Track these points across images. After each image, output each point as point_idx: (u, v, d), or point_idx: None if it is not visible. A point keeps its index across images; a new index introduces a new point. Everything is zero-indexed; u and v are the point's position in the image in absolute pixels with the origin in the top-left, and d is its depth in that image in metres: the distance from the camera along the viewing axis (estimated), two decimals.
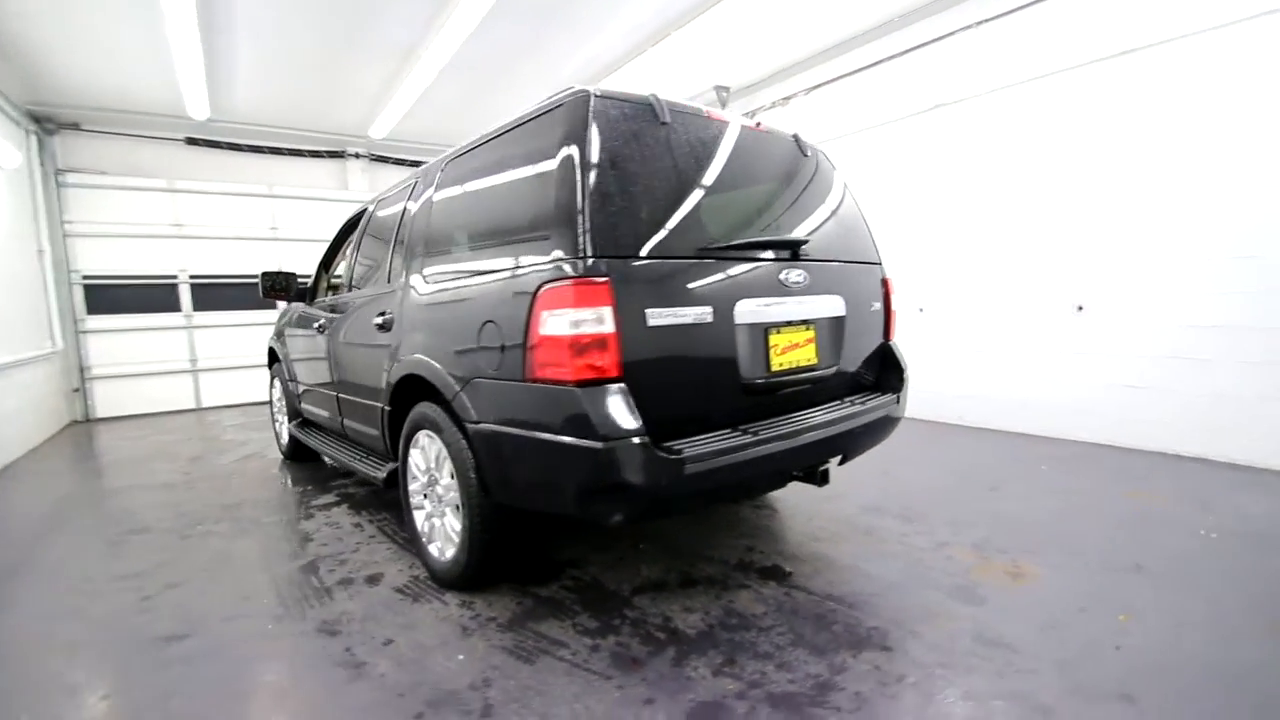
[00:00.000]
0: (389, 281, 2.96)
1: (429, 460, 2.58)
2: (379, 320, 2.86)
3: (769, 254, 2.26)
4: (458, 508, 2.43)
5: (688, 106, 2.29)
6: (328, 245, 4.19)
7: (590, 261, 1.80)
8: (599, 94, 2.02)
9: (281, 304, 5.19)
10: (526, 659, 2.03)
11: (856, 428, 2.38)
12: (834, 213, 2.67)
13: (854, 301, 2.56)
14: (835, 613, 2.27)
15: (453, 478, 2.42)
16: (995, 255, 5.06)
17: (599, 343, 1.77)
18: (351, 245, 3.59)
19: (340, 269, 4.57)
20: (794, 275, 2.33)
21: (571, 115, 1.98)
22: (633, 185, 1.97)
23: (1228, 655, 1.93)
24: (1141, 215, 4.22)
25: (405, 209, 2.98)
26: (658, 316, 1.91)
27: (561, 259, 1.85)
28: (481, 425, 2.14)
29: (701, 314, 2.02)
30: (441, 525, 2.56)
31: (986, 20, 4.90)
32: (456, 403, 2.25)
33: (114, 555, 3.06)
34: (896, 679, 1.87)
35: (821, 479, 2.38)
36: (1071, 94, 4.50)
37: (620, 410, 1.77)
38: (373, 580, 2.67)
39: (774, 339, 2.24)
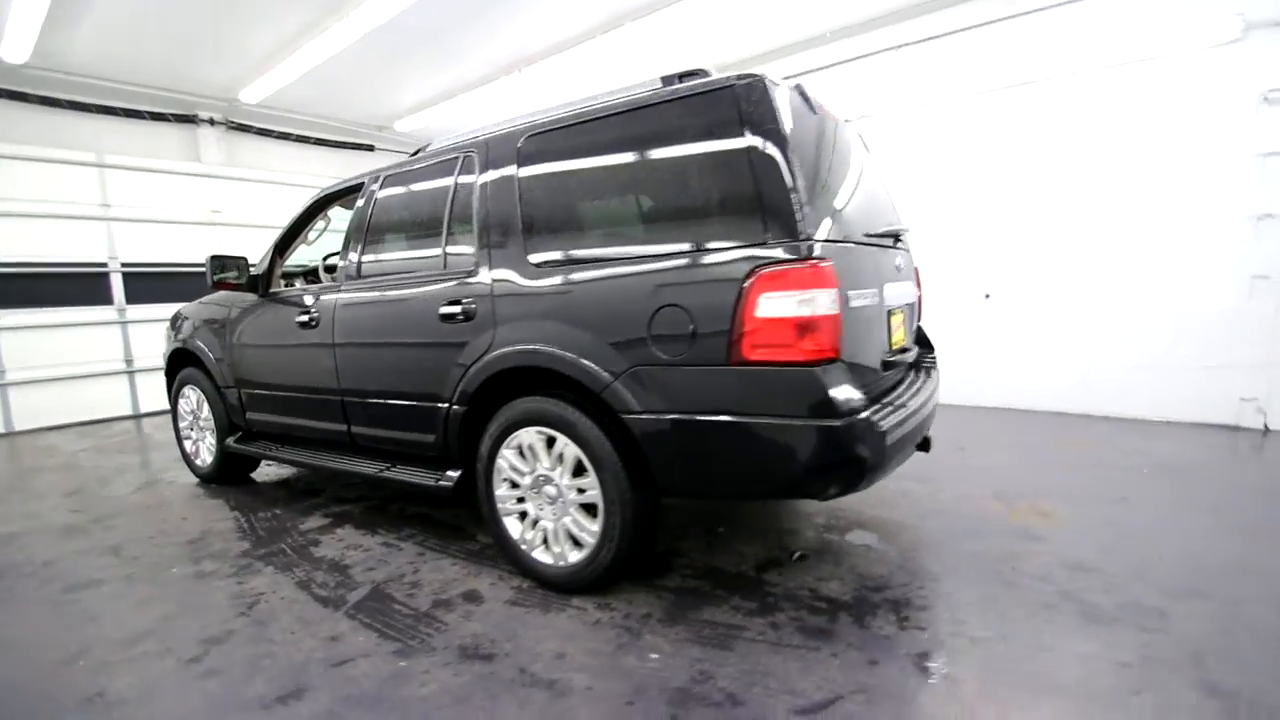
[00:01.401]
0: (447, 268, 2.65)
1: (536, 460, 2.39)
2: (450, 312, 2.55)
3: (889, 240, 2.46)
4: (588, 507, 2.30)
5: None
6: (284, 230, 3.57)
7: (811, 244, 1.83)
8: (772, 80, 2.03)
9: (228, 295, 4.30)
10: (723, 645, 2.01)
11: (936, 402, 2.68)
12: (890, 199, 2.95)
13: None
14: (943, 564, 2.54)
15: (579, 475, 2.29)
16: (1067, 239, 5.15)
17: (825, 323, 1.82)
18: (355, 230, 3.11)
19: (328, 257, 4.00)
20: (899, 260, 2.56)
21: (753, 96, 1.98)
22: (817, 170, 2.03)
23: (1225, 550, 2.54)
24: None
25: (461, 188, 2.68)
26: (855, 297, 2.01)
27: (778, 241, 1.85)
28: (653, 415, 2.05)
29: (872, 295, 2.15)
30: (557, 528, 2.38)
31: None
32: (610, 395, 2.13)
33: (77, 622, 2.38)
34: (1044, 606, 2.18)
35: (927, 446, 2.64)
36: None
37: (850, 387, 1.84)
38: (472, 598, 2.41)
39: (893, 320, 2.45)
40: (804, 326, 1.82)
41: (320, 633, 2.19)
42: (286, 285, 3.86)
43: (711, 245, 1.97)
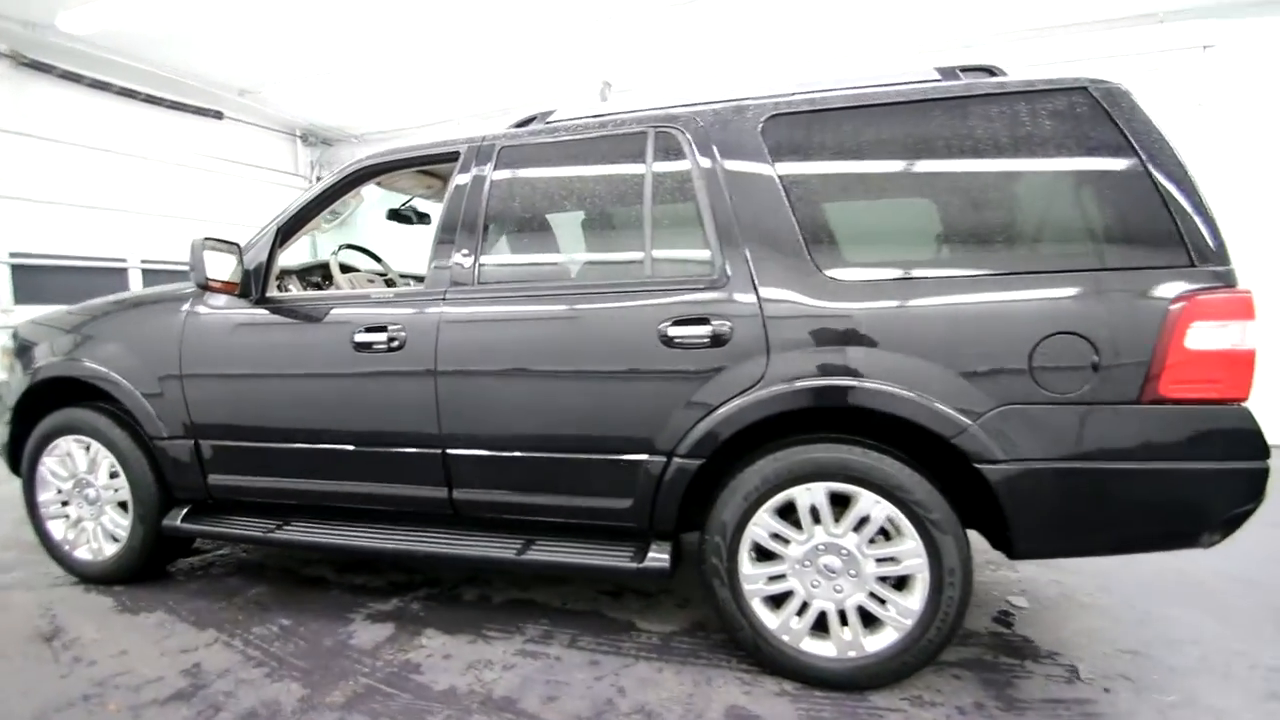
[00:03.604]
0: (656, 276, 2.00)
1: (815, 524, 1.88)
2: (686, 334, 1.90)
3: None
4: (893, 581, 1.85)
5: None
6: (294, 210, 2.48)
7: (1231, 270, 1.66)
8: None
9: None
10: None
11: None
12: None
13: None
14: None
15: (881, 541, 1.84)
16: None
17: (1249, 358, 1.65)
18: (464, 221, 2.22)
19: (340, 250, 2.89)
20: None
21: (1122, 103, 1.76)
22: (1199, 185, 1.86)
23: None
24: None
25: (666, 178, 2.05)
26: None
27: (1203, 267, 1.65)
28: (1026, 463, 1.70)
29: None
30: (843, 608, 1.88)
31: None
32: (966, 440, 1.72)
33: None
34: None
35: None
36: None
37: (1265, 425, 1.70)
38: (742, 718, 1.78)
39: None
40: (1233, 360, 1.64)
41: None
42: (282, 288, 2.70)
43: (1118, 266, 1.70)
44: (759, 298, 1.89)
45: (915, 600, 1.85)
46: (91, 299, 2.82)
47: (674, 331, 1.93)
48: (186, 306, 2.51)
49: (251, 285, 2.39)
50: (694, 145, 2.06)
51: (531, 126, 2.37)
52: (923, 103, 1.91)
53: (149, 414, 2.50)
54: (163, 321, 2.53)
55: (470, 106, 7.28)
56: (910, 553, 1.83)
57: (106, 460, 2.62)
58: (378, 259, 3.31)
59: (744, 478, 1.92)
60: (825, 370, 1.82)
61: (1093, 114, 1.78)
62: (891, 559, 1.86)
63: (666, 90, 2.55)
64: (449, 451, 2.18)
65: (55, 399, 2.72)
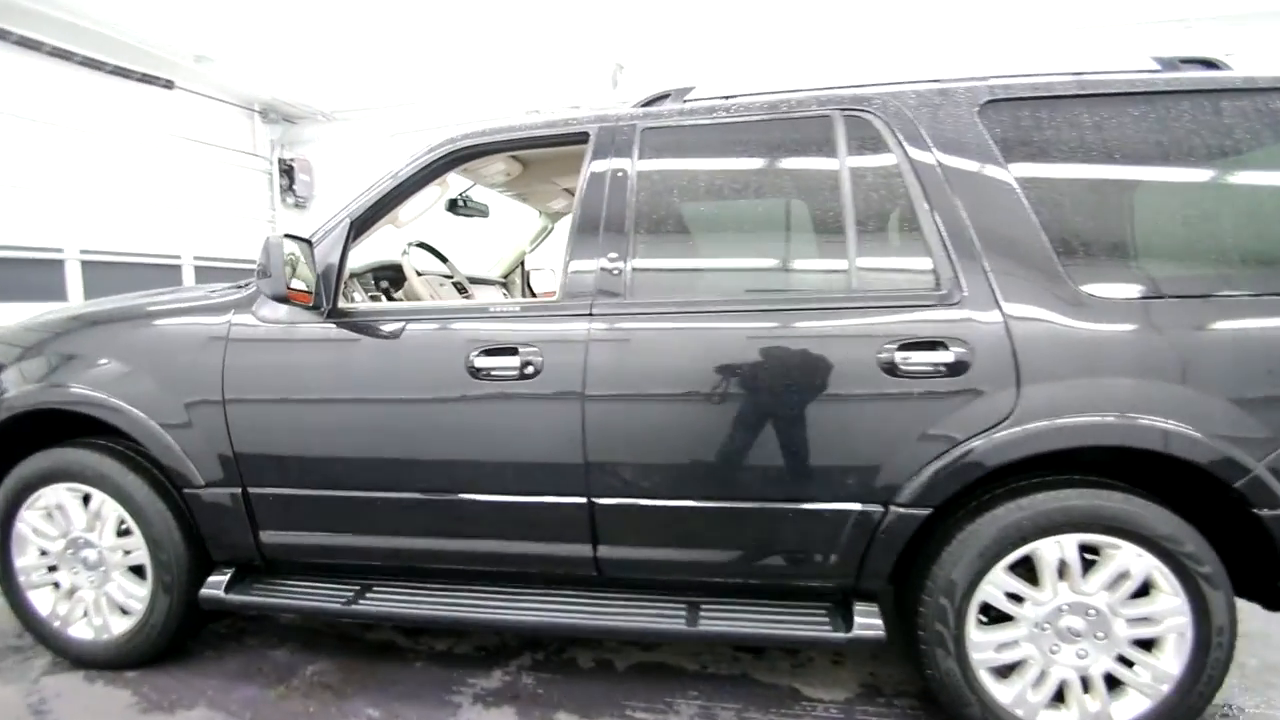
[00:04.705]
0: (858, 290, 1.67)
1: (1055, 583, 1.61)
2: (914, 361, 1.58)
3: None
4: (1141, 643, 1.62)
5: None
6: (372, 198, 1.99)
7: None
8: None
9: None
10: None
11: None
12: None
13: None
14: None
15: (1143, 596, 1.61)
16: None
17: None
18: (606, 220, 1.81)
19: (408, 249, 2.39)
20: None
21: None
22: None
23: None
24: None
25: (868, 174, 1.72)
26: None
27: None
28: None
29: None
30: (1094, 669, 1.63)
31: None
32: (1250, 482, 1.50)
33: None
34: None
35: None
36: None
37: None
38: None
39: None
40: None
41: None
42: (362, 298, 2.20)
43: None
44: (1005, 317, 1.60)
45: (1173, 663, 1.61)
46: (62, 305, 2.23)
47: (901, 358, 1.61)
48: (229, 319, 1.98)
49: (322, 294, 1.89)
50: (899, 134, 1.74)
51: (670, 105, 1.99)
52: (1174, 94, 1.67)
53: (184, 456, 1.97)
54: (196, 338, 2.00)
55: (450, 84, 6.68)
56: (1173, 611, 1.59)
57: (114, 514, 2.06)
58: (444, 259, 2.81)
59: (977, 529, 1.63)
60: (1089, 405, 1.55)
61: None
62: (1147, 619, 1.62)
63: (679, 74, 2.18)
64: (597, 501, 1.79)
65: (32, 437, 2.13)
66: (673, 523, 1.77)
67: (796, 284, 1.87)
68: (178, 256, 6.24)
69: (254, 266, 1.78)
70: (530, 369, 1.76)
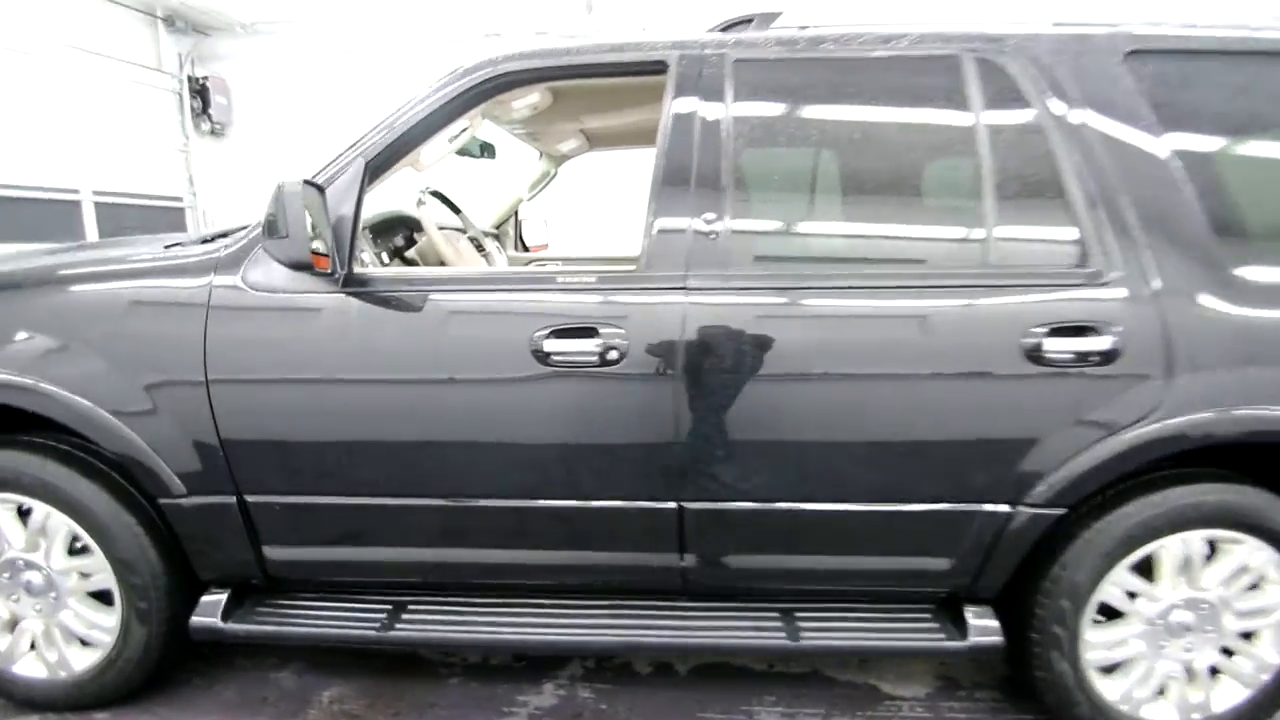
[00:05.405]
0: (993, 265, 1.47)
1: (1175, 579, 1.54)
2: (1059, 349, 1.40)
3: None
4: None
5: None
6: (380, 147, 1.57)
7: None
8: None
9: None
10: None
11: None
12: None
13: None
14: None
15: (1255, 589, 1.56)
16: None
17: None
18: (699, 170, 1.49)
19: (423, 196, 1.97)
20: None
21: None
22: None
23: None
24: None
25: (1005, 131, 1.49)
26: None
27: None
28: None
29: None
30: (1198, 662, 1.59)
31: None
32: None
33: None
34: None
35: None
36: None
37: None
38: None
39: None
40: None
41: None
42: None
43: None
44: (1159, 300, 1.44)
45: (1273, 653, 1.60)
46: None
47: (1050, 345, 1.42)
48: (209, 281, 1.55)
49: (335, 256, 1.49)
50: (1042, 83, 1.50)
51: (761, 33, 1.66)
52: None
53: (160, 458, 1.56)
54: (161, 305, 1.57)
55: None
56: None
57: (63, 529, 1.64)
58: (458, 210, 2.37)
59: (1105, 527, 1.52)
60: (1243, 397, 1.43)
61: None
62: (1259, 611, 1.58)
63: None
64: (686, 505, 1.55)
65: None
66: (774, 528, 1.57)
67: (924, 255, 1.64)
68: (75, 191, 5.26)
69: (259, 221, 1.36)
70: (614, 354, 1.46)
